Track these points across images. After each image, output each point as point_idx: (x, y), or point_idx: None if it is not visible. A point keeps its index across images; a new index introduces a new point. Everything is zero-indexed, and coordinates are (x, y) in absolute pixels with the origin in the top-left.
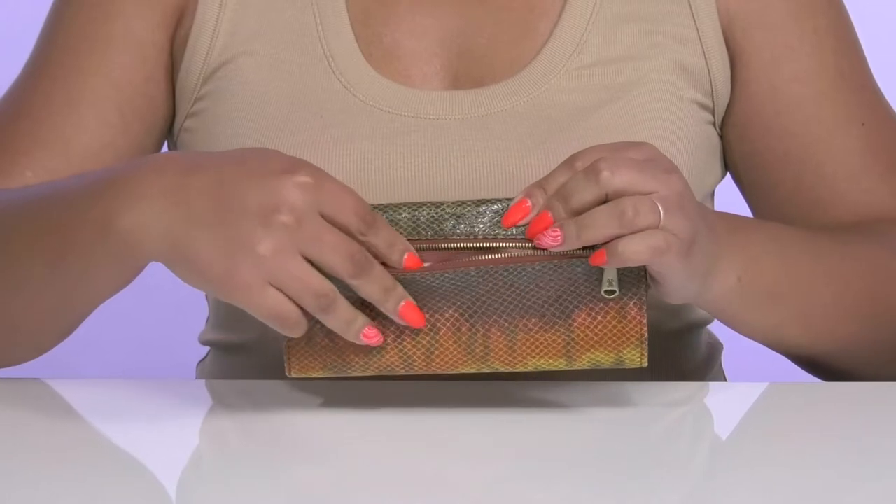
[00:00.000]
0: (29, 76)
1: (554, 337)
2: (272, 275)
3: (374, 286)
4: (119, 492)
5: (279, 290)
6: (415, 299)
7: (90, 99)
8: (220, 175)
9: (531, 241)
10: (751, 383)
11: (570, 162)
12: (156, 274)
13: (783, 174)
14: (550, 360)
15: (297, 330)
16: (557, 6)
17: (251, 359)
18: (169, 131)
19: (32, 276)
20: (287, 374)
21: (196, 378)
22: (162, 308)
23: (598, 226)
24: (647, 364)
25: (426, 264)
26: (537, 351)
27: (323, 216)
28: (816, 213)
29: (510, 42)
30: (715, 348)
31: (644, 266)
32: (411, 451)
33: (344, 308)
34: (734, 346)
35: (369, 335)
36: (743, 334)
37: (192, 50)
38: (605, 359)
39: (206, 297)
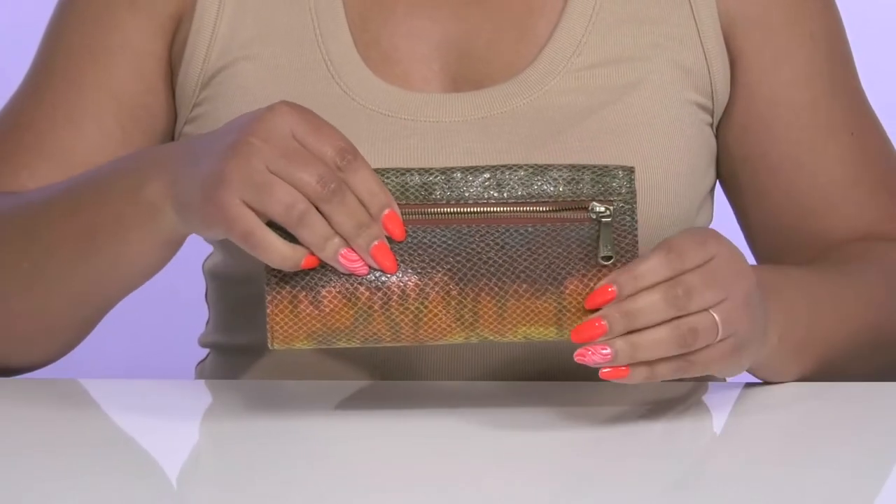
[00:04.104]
0: (30, 87)
1: (545, 304)
2: (240, 191)
3: (345, 215)
4: (119, 492)
5: (250, 207)
6: (405, 258)
7: (92, 112)
8: (223, 128)
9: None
10: (750, 382)
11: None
12: (156, 276)
13: (777, 180)
14: (541, 329)
15: (267, 251)
16: (557, 8)
17: (251, 361)
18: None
19: (61, 263)
20: (269, 345)
21: (195, 380)
22: (162, 310)
23: (658, 350)
24: None
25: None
26: (527, 318)
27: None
28: (808, 221)
29: (509, 44)
30: None
31: (636, 235)
32: (411, 450)
33: (318, 221)
34: None
35: (349, 257)
36: (766, 380)
37: (190, 55)
38: None
39: (207, 299)
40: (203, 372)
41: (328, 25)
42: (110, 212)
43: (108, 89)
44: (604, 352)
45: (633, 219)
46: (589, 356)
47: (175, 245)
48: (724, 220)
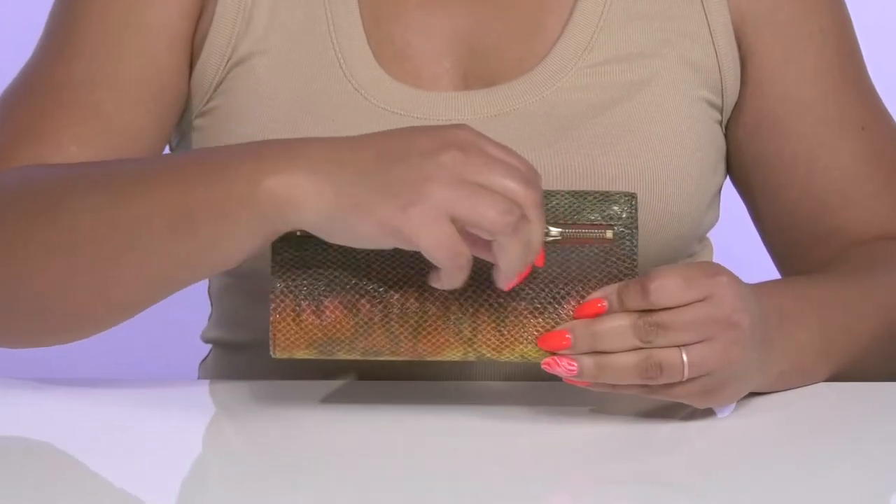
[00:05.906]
0: (63, 45)
1: (543, 323)
2: (449, 204)
3: (542, 222)
4: (121, 493)
5: (455, 221)
6: (409, 273)
7: (132, 79)
8: (385, 135)
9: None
10: None
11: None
12: None
13: (792, 176)
14: (538, 348)
15: (463, 274)
16: (567, 5)
17: (253, 357)
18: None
19: (149, 235)
20: (272, 353)
21: (199, 378)
22: (163, 305)
23: (621, 377)
24: None
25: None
26: (525, 337)
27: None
28: (824, 217)
29: (520, 41)
30: None
31: (635, 260)
32: (414, 450)
33: (537, 220)
34: None
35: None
36: None
37: (210, 48)
38: None
39: (210, 294)
40: (206, 370)
41: (341, 21)
42: (217, 193)
43: (148, 60)
44: (569, 366)
45: (632, 243)
46: (555, 367)
47: (275, 237)
48: (726, 220)
